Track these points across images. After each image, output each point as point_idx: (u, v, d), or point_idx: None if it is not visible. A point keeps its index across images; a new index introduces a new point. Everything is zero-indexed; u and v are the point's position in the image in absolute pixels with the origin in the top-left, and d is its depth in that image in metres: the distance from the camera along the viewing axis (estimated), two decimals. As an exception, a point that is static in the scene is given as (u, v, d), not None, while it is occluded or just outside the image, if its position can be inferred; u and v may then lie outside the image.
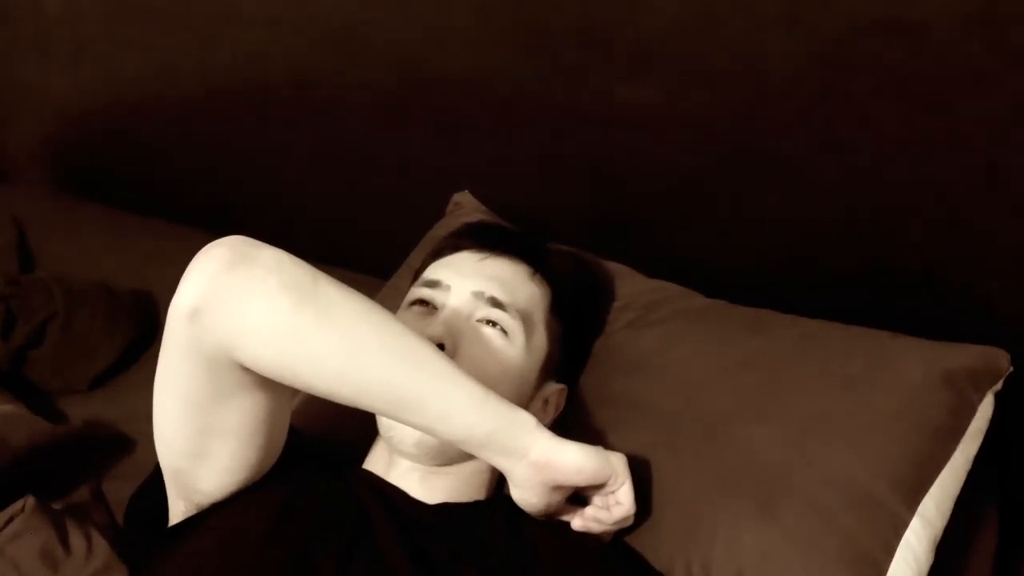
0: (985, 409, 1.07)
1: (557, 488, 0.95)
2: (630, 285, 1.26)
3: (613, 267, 1.29)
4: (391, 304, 1.11)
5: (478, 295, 1.06)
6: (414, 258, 1.35)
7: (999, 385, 1.09)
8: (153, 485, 1.00)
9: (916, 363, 1.07)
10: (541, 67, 1.30)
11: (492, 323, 1.05)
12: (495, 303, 1.06)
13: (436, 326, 1.02)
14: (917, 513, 1.00)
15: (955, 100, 1.08)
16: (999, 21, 1.01)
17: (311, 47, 1.49)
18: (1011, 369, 1.09)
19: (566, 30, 1.25)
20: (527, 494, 0.95)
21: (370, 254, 1.52)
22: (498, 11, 1.29)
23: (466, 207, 1.39)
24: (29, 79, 1.87)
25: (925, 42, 1.06)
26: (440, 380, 0.89)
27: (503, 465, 0.93)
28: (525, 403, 1.06)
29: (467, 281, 1.07)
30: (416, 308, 1.08)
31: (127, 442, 1.33)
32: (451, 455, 0.98)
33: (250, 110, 1.62)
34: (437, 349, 0.91)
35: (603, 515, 0.98)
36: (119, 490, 1.19)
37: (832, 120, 1.16)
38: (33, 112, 1.94)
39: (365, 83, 1.47)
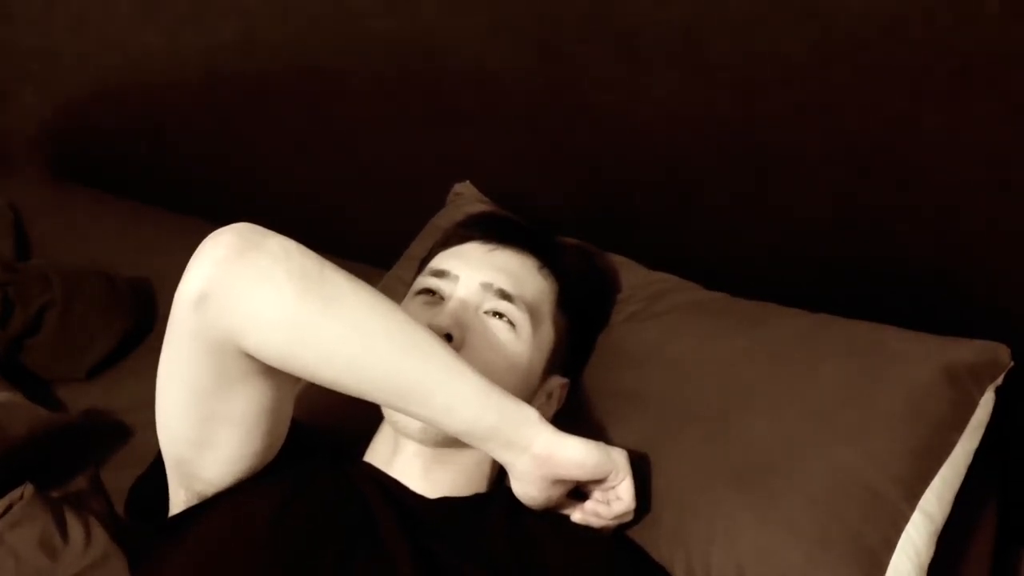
0: (986, 403, 1.08)
1: (558, 482, 0.95)
2: (631, 277, 1.26)
3: (614, 259, 1.28)
4: (393, 294, 1.11)
5: (486, 286, 1.06)
6: (416, 248, 1.35)
7: (1000, 380, 1.09)
8: (154, 475, 1.00)
9: (917, 357, 1.07)
10: (543, 58, 1.30)
11: (500, 315, 1.05)
12: (503, 295, 1.05)
13: (443, 317, 1.01)
14: (918, 507, 1.00)
15: (956, 95, 1.08)
16: (996, 18, 1.01)
17: (311, 35, 1.48)
18: (1012, 364, 1.09)
19: (568, 21, 1.24)
20: (528, 488, 0.95)
21: (369, 243, 1.51)
22: (500, 2, 1.28)
23: (467, 197, 1.39)
24: (27, 65, 1.85)
25: (926, 38, 1.05)
26: (445, 373, 0.89)
27: (505, 458, 0.93)
28: (529, 396, 1.06)
29: (476, 272, 1.07)
30: (422, 297, 1.08)
31: (125, 431, 1.33)
32: (455, 440, 0.97)
33: (251, 98, 1.62)
34: (443, 341, 0.91)
35: (603, 510, 0.98)
36: (117, 479, 1.19)
37: (834, 115, 1.16)
38: (31, 98, 1.93)
39: (366, 72, 1.47)
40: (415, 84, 1.43)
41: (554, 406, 1.11)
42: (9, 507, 1.10)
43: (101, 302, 1.49)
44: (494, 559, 0.94)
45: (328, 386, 0.89)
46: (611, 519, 0.99)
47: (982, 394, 1.07)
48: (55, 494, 1.17)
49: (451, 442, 1.00)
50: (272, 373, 0.88)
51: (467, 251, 1.10)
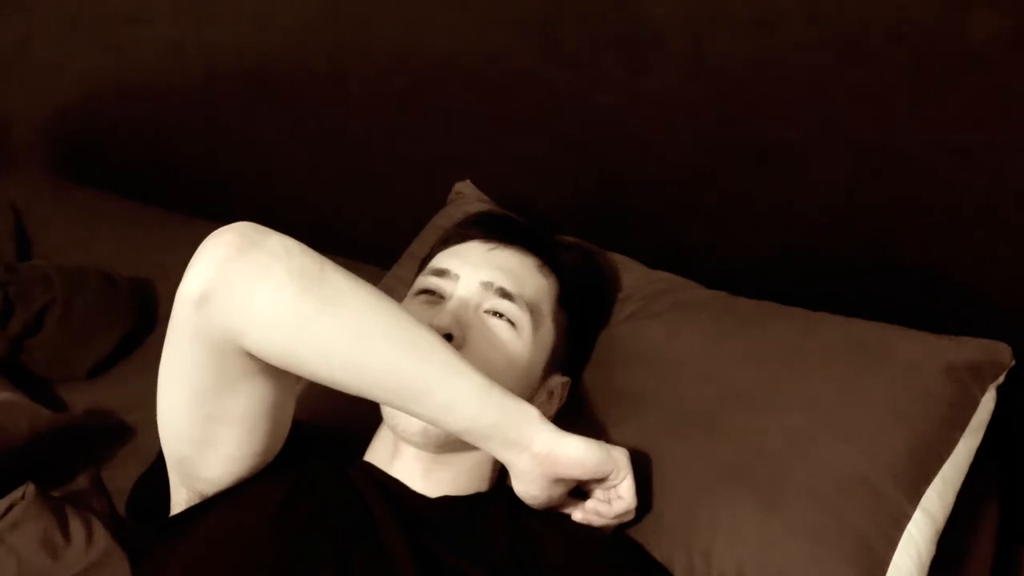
0: (987, 402, 1.08)
1: (559, 481, 0.95)
2: (631, 276, 1.26)
3: (614, 258, 1.28)
4: (394, 294, 1.11)
5: (487, 285, 1.06)
6: (416, 247, 1.35)
7: (1001, 379, 1.09)
8: (155, 474, 1.00)
9: (918, 356, 1.07)
10: (545, 56, 1.30)
11: (500, 314, 1.05)
12: (504, 294, 1.05)
13: (444, 316, 1.01)
14: (919, 506, 1.00)
15: (956, 96, 1.08)
16: (995, 14, 1.01)
17: (311, 35, 1.48)
18: (1013, 363, 1.09)
19: (570, 19, 1.24)
20: (529, 487, 0.95)
21: (369, 243, 1.51)
22: (501, 2, 1.28)
23: (467, 196, 1.39)
24: (27, 65, 1.85)
25: (927, 38, 1.05)
26: (445, 371, 0.89)
27: (505, 457, 0.93)
28: (530, 395, 1.06)
29: (476, 271, 1.07)
30: (423, 297, 1.08)
31: (126, 430, 1.33)
32: (455, 444, 0.98)
33: (251, 98, 1.62)
34: (443, 339, 0.91)
35: (604, 508, 0.98)
36: (118, 478, 1.19)
37: (835, 114, 1.16)
38: (31, 98, 1.93)
39: (366, 70, 1.47)
40: (415, 82, 1.43)
41: (555, 405, 1.11)
42: (10, 507, 1.10)
43: (101, 302, 1.49)
44: (494, 558, 0.94)
45: (329, 385, 0.89)
46: (612, 518, 0.99)
47: (983, 393, 1.08)
48: (56, 494, 1.17)
49: (450, 446, 1.00)
50: (273, 372, 0.88)
51: (467, 250, 1.10)
